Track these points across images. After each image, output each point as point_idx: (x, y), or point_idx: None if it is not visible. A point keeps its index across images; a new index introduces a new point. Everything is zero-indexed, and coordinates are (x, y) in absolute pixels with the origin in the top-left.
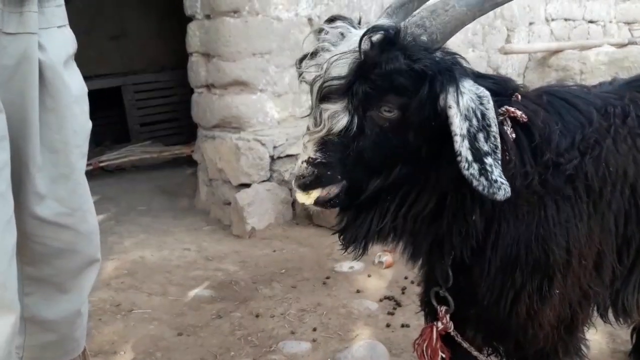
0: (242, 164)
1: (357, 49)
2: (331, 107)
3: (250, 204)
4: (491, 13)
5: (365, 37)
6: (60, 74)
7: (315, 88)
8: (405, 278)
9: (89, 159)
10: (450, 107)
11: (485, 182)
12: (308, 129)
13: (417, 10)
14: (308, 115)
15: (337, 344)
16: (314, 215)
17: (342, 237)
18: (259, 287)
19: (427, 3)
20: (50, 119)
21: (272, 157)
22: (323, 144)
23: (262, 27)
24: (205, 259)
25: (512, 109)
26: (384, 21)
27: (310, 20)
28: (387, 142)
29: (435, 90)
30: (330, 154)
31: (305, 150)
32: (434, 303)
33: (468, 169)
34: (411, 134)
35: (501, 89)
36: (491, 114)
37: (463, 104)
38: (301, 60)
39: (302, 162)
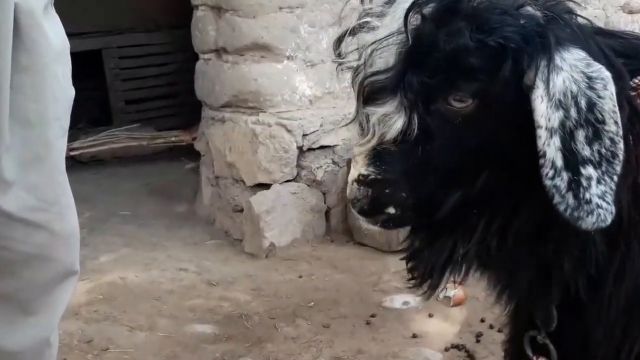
0: (260, 157)
1: (403, 28)
2: (379, 110)
3: (270, 211)
4: None
5: (414, 9)
6: (39, 23)
7: (356, 85)
8: (482, 321)
9: None
10: (535, 88)
11: (571, 201)
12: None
13: None
14: (353, 121)
15: None
16: (355, 230)
17: (412, 266)
18: (278, 325)
19: None
20: (24, 81)
21: (300, 149)
22: (376, 156)
23: None
24: (208, 284)
25: None
26: None
27: None
28: (464, 142)
29: (522, 66)
30: (387, 167)
31: (355, 165)
32: (529, 353)
33: (553, 179)
34: (496, 128)
35: (633, 51)
36: (608, 104)
37: (556, 84)
38: (339, 40)
39: (353, 182)
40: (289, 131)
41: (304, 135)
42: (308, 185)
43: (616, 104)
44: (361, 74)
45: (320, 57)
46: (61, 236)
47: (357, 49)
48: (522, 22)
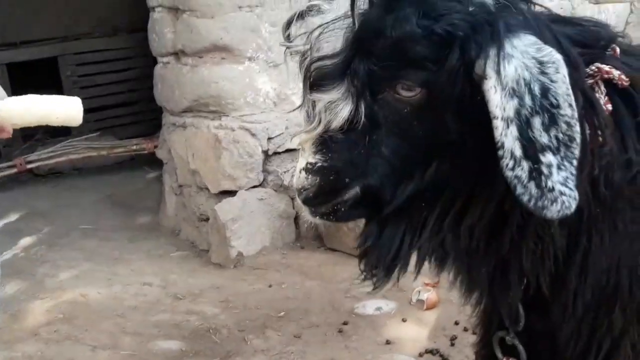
0: (224, 163)
1: (350, 12)
2: (325, 97)
3: (236, 219)
4: None
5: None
6: None
7: (303, 70)
8: (456, 323)
9: (11, 158)
10: (487, 78)
11: (534, 191)
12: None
13: None
14: (299, 107)
15: None
16: (326, 236)
17: (362, 260)
18: (247, 337)
19: None
20: None
21: (266, 153)
22: (323, 143)
23: None
24: (174, 298)
25: (606, 68)
26: None
27: None
28: (412, 131)
29: (470, 55)
30: (334, 154)
31: (302, 154)
32: (499, 354)
33: (513, 169)
34: (445, 118)
35: (591, 38)
36: (561, 88)
37: (508, 73)
38: (288, 24)
39: (301, 171)
40: (253, 135)
41: (269, 138)
42: (275, 191)
43: (569, 87)
44: (308, 58)
45: (283, 57)
46: None
47: (306, 32)
48: (471, 9)
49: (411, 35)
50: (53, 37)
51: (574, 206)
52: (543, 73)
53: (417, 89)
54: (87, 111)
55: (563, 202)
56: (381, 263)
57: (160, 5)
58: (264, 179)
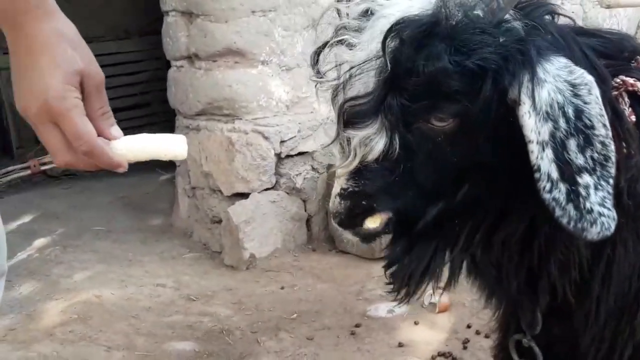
0: (237, 166)
1: (382, 52)
2: (360, 133)
3: (249, 221)
4: None
5: (392, 33)
6: None
7: (336, 107)
8: (469, 327)
9: (25, 160)
10: (521, 104)
11: (573, 213)
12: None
13: None
14: (334, 142)
15: None
16: (338, 238)
17: (391, 272)
18: (260, 339)
19: None
20: None
21: (278, 156)
22: (358, 172)
23: None
24: (187, 299)
25: (631, 81)
26: (398, 14)
27: None
28: (446, 158)
29: (503, 84)
30: (367, 181)
31: (338, 180)
32: (515, 357)
33: (550, 191)
34: (478, 143)
35: (614, 50)
36: (594, 109)
37: (542, 97)
38: (316, 55)
39: (335, 196)
40: (266, 138)
41: (282, 141)
42: (287, 193)
43: (602, 107)
44: (340, 95)
45: (295, 61)
46: None
47: (335, 65)
48: (501, 40)
49: (443, 71)
50: None
51: (613, 227)
52: (576, 95)
53: (450, 119)
54: None
55: (602, 224)
56: (413, 277)
57: (174, 10)
58: (277, 182)
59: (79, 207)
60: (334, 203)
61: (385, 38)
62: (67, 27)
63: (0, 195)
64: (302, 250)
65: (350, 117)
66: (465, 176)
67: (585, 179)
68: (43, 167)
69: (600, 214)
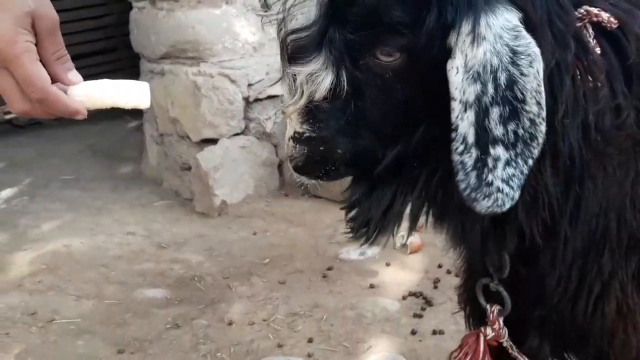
0: (204, 110)
1: None
2: (304, 69)
3: (219, 167)
4: None
5: None
6: None
7: (279, 43)
8: (439, 266)
9: None
10: (452, 57)
11: (472, 181)
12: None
13: None
14: (280, 80)
15: None
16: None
17: (351, 216)
18: (232, 284)
19: None
20: None
21: (247, 100)
22: (310, 113)
23: None
24: (157, 247)
25: (595, 11)
26: None
27: None
28: (397, 96)
29: (446, 21)
30: (321, 124)
31: (290, 122)
32: (482, 301)
33: (462, 154)
34: (426, 82)
35: None
36: (531, 83)
37: (476, 56)
38: None
39: (289, 139)
40: (232, 81)
41: (250, 85)
42: (258, 139)
43: (541, 84)
44: (282, 30)
45: None
46: None
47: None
48: None
49: (385, 0)
50: None
51: (507, 206)
52: (514, 64)
53: (396, 54)
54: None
55: (496, 200)
56: (373, 219)
57: None
58: (246, 127)
59: (46, 155)
60: (289, 147)
61: None
62: None
63: None
64: (274, 195)
65: (293, 52)
66: (419, 117)
67: (498, 151)
68: (7, 117)
69: (498, 190)
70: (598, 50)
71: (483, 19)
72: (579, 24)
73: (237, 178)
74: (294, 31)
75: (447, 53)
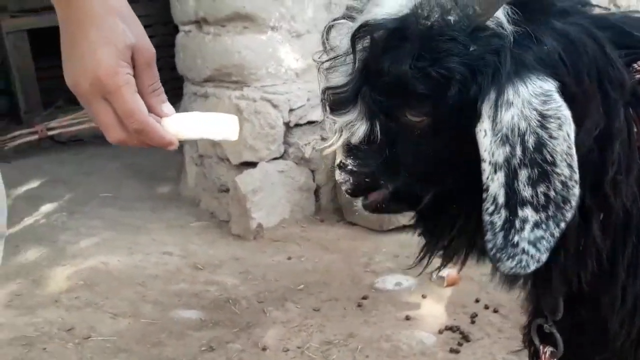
0: (245, 134)
1: (352, 52)
2: (340, 119)
3: (257, 190)
4: None
5: (360, 33)
6: None
7: (320, 93)
8: (477, 301)
9: (33, 124)
10: (480, 121)
11: (499, 241)
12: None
13: None
14: (321, 123)
15: None
16: (346, 209)
17: (421, 247)
18: (267, 309)
19: None
20: None
21: (287, 125)
22: (351, 150)
23: None
24: (194, 268)
25: None
26: (384, 9)
27: None
28: (426, 150)
29: (469, 96)
30: (361, 161)
31: (337, 152)
32: (536, 341)
33: (492, 214)
34: (456, 143)
35: (632, 33)
36: (561, 146)
37: (504, 120)
38: (328, 29)
39: (337, 167)
40: (274, 106)
41: (291, 110)
42: (296, 163)
43: (572, 146)
44: (323, 85)
45: (306, 27)
46: None
47: (326, 49)
48: (471, 49)
49: (405, 75)
50: None
51: (531, 268)
52: (543, 127)
53: (423, 117)
54: None
55: (520, 262)
56: (428, 253)
57: None
58: (285, 151)
59: (86, 173)
60: (336, 173)
61: (353, 37)
62: (118, 1)
63: (7, 160)
64: (309, 220)
65: (332, 104)
66: (451, 167)
67: (527, 212)
68: (50, 133)
69: (523, 251)
70: None
71: (510, 89)
72: (638, 76)
73: (274, 202)
74: (331, 87)
75: (475, 117)
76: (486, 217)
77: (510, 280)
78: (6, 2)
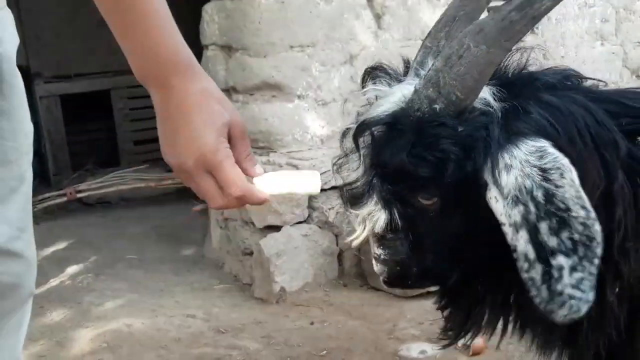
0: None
1: (356, 149)
2: (360, 212)
3: (280, 254)
4: None
5: (361, 132)
6: (15, 68)
7: (339, 191)
8: None
9: (62, 187)
10: (488, 190)
11: (544, 294)
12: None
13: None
14: (345, 214)
15: None
16: (370, 274)
17: (446, 317)
18: None
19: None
20: (3, 125)
21: None
22: (380, 240)
23: (305, 10)
24: (216, 332)
25: None
26: (382, 108)
27: (370, 0)
28: (444, 230)
29: (467, 171)
30: (390, 250)
31: (371, 246)
32: None
33: (528, 271)
34: (470, 218)
35: (629, 104)
36: (569, 191)
37: (508, 183)
38: (343, 134)
39: (373, 259)
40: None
41: None
42: (320, 227)
43: (580, 189)
44: (339, 177)
45: (331, 95)
46: (31, 262)
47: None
48: (460, 129)
49: (405, 164)
50: (106, 70)
51: (584, 310)
52: (546, 180)
53: (434, 199)
54: (136, 143)
55: (571, 307)
56: (454, 326)
57: (214, 44)
58: (309, 215)
59: (113, 235)
60: (374, 265)
61: (355, 136)
62: (211, 85)
63: (36, 221)
64: (333, 285)
65: (350, 199)
66: (470, 245)
67: (560, 260)
68: (79, 195)
69: (570, 297)
70: None
71: (506, 154)
72: None
73: (297, 266)
74: (347, 184)
75: (480, 188)
76: (524, 275)
77: (546, 348)
78: (42, 69)
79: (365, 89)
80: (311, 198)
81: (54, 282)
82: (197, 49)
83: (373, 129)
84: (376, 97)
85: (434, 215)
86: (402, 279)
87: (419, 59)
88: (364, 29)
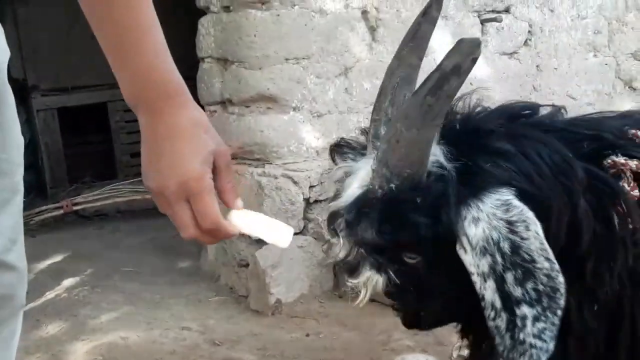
0: (265, 210)
1: (332, 233)
2: (358, 280)
3: (276, 266)
4: (621, 3)
5: (334, 220)
6: (6, 81)
7: (332, 267)
8: None
9: (59, 199)
10: (457, 241)
11: (507, 342)
12: None
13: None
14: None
15: None
16: None
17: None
18: None
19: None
20: None
21: (307, 201)
22: (389, 294)
23: (299, 23)
24: (211, 344)
25: (621, 160)
26: (349, 192)
27: (365, 13)
28: (436, 281)
29: (437, 230)
30: (399, 301)
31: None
32: None
33: (494, 319)
34: (455, 272)
35: (604, 132)
36: (534, 244)
37: (477, 234)
38: (327, 211)
39: (392, 310)
40: (295, 183)
41: (311, 186)
42: (315, 239)
43: (544, 242)
44: (331, 260)
45: (326, 107)
46: (23, 273)
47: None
48: (419, 200)
49: (376, 239)
50: (103, 83)
51: (544, 358)
52: (513, 232)
53: (417, 257)
54: (133, 155)
55: (531, 355)
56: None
57: (209, 57)
58: (304, 227)
59: (109, 247)
60: (395, 314)
61: (329, 224)
62: (200, 114)
63: (32, 234)
64: (328, 296)
65: (345, 273)
66: (463, 295)
67: (524, 310)
68: (75, 207)
69: (531, 346)
70: (636, 193)
71: (472, 209)
72: (612, 171)
73: (293, 277)
74: (339, 261)
75: (454, 244)
76: (490, 323)
77: None
78: (39, 82)
79: (334, 168)
80: (307, 209)
81: (49, 294)
82: (194, 62)
83: (344, 214)
84: (345, 174)
85: (421, 271)
86: (418, 323)
87: (372, 132)
88: (359, 42)
